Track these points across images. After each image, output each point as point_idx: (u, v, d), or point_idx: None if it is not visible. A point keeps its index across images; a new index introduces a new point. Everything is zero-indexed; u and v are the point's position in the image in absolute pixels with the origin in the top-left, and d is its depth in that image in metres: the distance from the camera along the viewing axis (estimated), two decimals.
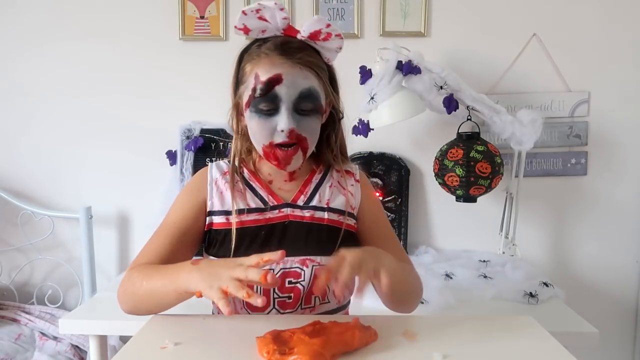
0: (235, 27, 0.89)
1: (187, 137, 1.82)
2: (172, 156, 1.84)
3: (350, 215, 0.95)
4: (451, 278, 1.54)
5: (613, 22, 1.82)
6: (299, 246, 0.89)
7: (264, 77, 0.85)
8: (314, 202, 0.93)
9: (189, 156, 1.82)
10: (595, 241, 1.89)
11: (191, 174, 1.82)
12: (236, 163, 0.96)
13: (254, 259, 0.72)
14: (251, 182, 0.95)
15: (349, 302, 0.99)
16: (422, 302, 1.34)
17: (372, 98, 1.59)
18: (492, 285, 1.49)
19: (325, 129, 0.96)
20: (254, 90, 0.86)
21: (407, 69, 1.58)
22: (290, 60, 0.86)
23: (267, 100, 0.86)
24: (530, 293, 1.42)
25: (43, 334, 1.70)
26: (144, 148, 1.88)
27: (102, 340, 1.40)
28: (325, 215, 0.93)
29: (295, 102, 0.86)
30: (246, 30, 0.89)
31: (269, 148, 0.88)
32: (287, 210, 0.92)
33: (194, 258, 0.89)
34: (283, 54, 0.86)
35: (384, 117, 1.61)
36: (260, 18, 0.87)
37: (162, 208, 1.81)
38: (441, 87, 1.61)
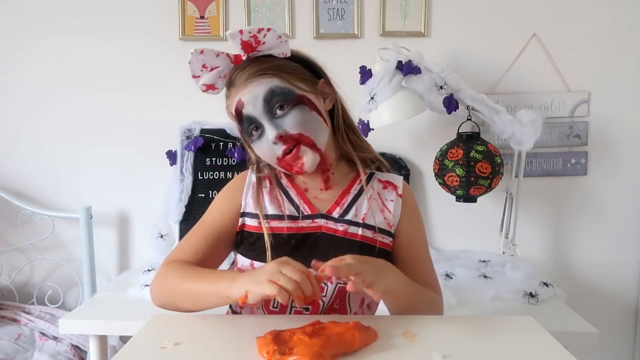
0: (202, 91, 0.92)
1: (187, 137, 1.82)
2: (172, 156, 1.84)
3: (386, 232, 0.92)
4: (451, 278, 1.54)
5: (613, 22, 1.82)
6: (329, 259, 0.86)
7: (233, 110, 0.89)
8: (349, 216, 0.91)
9: (189, 156, 1.82)
10: (595, 241, 1.89)
11: (191, 174, 1.82)
12: (264, 170, 0.97)
13: (300, 266, 0.73)
14: (287, 189, 0.95)
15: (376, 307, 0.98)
16: None
17: (372, 98, 1.59)
18: (492, 285, 1.49)
19: (334, 118, 0.95)
20: (237, 122, 0.90)
21: (407, 69, 1.58)
22: (241, 83, 0.87)
23: (247, 125, 0.88)
24: (530, 293, 1.42)
25: (43, 334, 1.70)
26: (144, 148, 1.88)
27: (102, 340, 1.40)
28: (360, 231, 0.90)
29: (266, 110, 0.86)
30: (211, 87, 0.91)
31: (281, 163, 0.89)
32: (321, 222, 0.91)
33: (238, 266, 0.92)
34: (237, 83, 0.88)
35: (384, 117, 1.61)
36: (211, 69, 0.90)
37: (162, 208, 1.84)
38: (441, 87, 1.61)
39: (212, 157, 1.84)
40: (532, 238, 1.88)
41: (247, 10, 1.83)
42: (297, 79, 0.89)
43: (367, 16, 1.84)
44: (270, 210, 0.91)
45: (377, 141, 1.75)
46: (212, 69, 0.89)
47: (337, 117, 0.95)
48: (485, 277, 1.54)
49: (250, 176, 0.97)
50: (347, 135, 0.96)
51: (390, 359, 0.68)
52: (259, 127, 0.87)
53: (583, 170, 1.87)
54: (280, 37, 0.87)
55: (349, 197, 0.93)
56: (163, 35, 1.85)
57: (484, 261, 1.69)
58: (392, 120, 1.61)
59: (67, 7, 1.86)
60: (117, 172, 1.90)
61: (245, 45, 0.87)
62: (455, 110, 1.63)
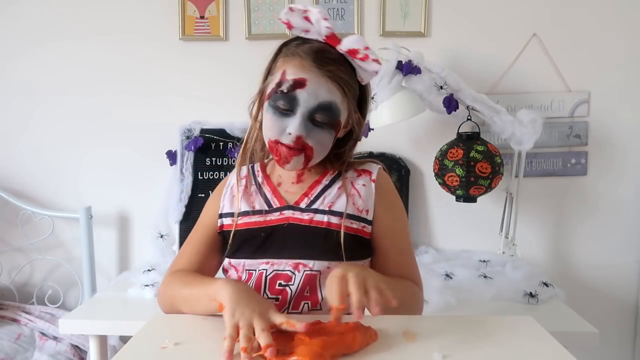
0: (279, 19, 0.90)
1: (187, 137, 1.82)
2: (172, 156, 1.84)
3: (356, 218, 0.92)
4: (451, 278, 1.54)
5: (613, 22, 1.82)
6: (295, 249, 0.89)
7: (289, 77, 0.87)
8: (316, 205, 0.92)
9: (189, 156, 1.82)
10: (595, 241, 1.89)
11: (191, 174, 1.82)
12: (243, 170, 0.98)
13: (279, 319, 0.72)
14: (263, 186, 0.97)
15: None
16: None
17: (372, 98, 1.59)
18: (492, 285, 1.49)
19: (343, 144, 0.96)
20: (278, 85, 0.88)
21: (407, 69, 1.58)
22: (320, 70, 0.86)
23: (286, 99, 0.86)
24: (530, 293, 1.42)
25: (43, 334, 1.70)
26: (144, 148, 1.88)
27: (102, 340, 1.40)
28: (325, 218, 0.90)
29: (311, 110, 0.86)
30: (289, 26, 0.90)
31: (274, 144, 0.89)
32: (288, 213, 0.92)
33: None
34: (315, 62, 0.86)
35: (384, 117, 1.61)
36: (306, 19, 0.88)
37: (162, 208, 1.84)
38: (441, 87, 1.61)
39: (212, 157, 1.84)
40: (532, 238, 1.88)
41: (247, 10, 1.83)
42: (349, 108, 0.91)
43: (367, 16, 1.84)
44: (243, 207, 0.94)
45: (377, 141, 1.77)
46: (306, 19, 0.87)
47: (348, 150, 0.97)
48: (485, 277, 1.54)
49: (230, 178, 1.00)
50: (336, 157, 0.97)
51: (390, 359, 0.68)
52: (289, 110, 0.87)
53: (583, 170, 1.87)
54: (376, 72, 0.90)
55: (319, 188, 0.94)
56: (163, 35, 1.85)
57: (484, 261, 1.69)
58: (392, 120, 1.61)
59: (67, 8, 1.86)
60: (117, 172, 1.90)
61: (353, 52, 0.88)
62: (455, 110, 1.63)
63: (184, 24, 1.85)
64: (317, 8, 0.86)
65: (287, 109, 0.87)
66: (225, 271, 0.97)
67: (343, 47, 0.88)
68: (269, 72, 0.93)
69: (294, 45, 0.90)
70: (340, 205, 0.92)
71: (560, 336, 0.75)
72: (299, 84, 0.86)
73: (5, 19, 1.87)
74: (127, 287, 1.51)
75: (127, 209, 1.93)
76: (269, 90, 0.90)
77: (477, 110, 1.63)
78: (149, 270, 1.62)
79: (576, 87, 1.84)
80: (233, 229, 0.92)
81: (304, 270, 0.88)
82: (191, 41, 1.86)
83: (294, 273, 0.88)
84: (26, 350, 1.61)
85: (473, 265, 1.66)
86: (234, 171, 1.00)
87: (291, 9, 0.87)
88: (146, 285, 1.47)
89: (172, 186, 1.83)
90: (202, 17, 1.85)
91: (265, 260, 0.90)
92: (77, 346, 1.68)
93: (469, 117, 1.64)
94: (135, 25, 1.86)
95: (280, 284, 0.88)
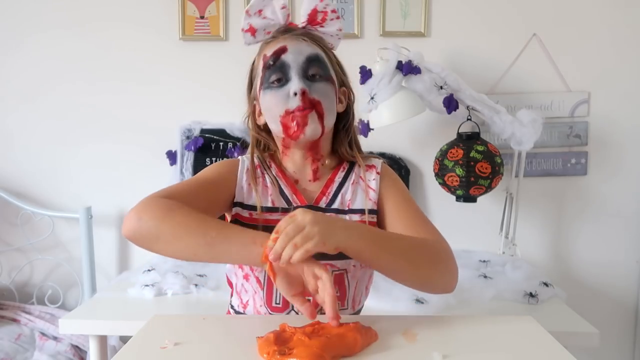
0: (242, 29, 0.91)
1: (187, 137, 1.82)
2: (172, 156, 1.84)
3: (372, 211, 0.92)
4: None
5: (613, 22, 1.82)
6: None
7: (270, 53, 0.89)
8: (336, 205, 0.92)
9: (189, 156, 1.82)
10: (595, 241, 1.89)
11: (191, 174, 1.82)
12: (255, 159, 0.96)
13: (325, 275, 0.72)
14: (278, 179, 0.94)
15: (361, 308, 0.98)
16: (422, 302, 1.34)
17: (372, 98, 1.59)
18: (492, 285, 1.49)
19: (342, 121, 0.96)
20: (264, 67, 0.89)
21: (407, 69, 1.58)
22: (294, 35, 0.89)
23: (276, 70, 0.87)
24: (530, 293, 1.42)
25: (43, 334, 1.70)
26: (144, 148, 1.88)
27: (102, 340, 1.40)
28: (347, 217, 0.91)
29: (303, 66, 0.87)
30: (252, 31, 0.91)
31: (285, 117, 0.88)
32: None
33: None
34: (287, 33, 0.90)
35: (384, 117, 1.61)
36: (263, 17, 0.90)
37: None
38: (441, 87, 1.61)
39: (212, 157, 1.84)
40: (532, 238, 1.88)
41: None
42: (335, 69, 0.93)
43: (367, 16, 1.84)
44: (263, 202, 0.91)
45: (377, 141, 1.77)
46: (264, 18, 0.90)
47: (348, 123, 0.97)
48: (485, 277, 1.54)
49: (244, 163, 0.95)
50: (344, 141, 0.97)
51: (390, 359, 0.68)
52: (283, 79, 0.88)
53: (583, 170, 1.87)
54: (340, 30, 0.92)
55: (334, 186, 0.94)
56: (163, 35, 1.85)
57: (484, 261, 1.69)
58: (392, 120, 1.61)
59: (68, 7, 1.86)
60: (117, 172, 1.90)
61: (313, 16, 0.90)
62: (455, 110, 1.63)
63: (184, 24, 1.85)
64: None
65: (281, 79, 0.88)
66: (240, 267, 0.92)
67: (303, 17, 0.91)
68: (251, 79, 0.96)
69: (263, 43, 0.93)
70: (358, 203, 0.93)
71: (560, 336, 0.75)
72: (281, 51, 0.88)
73: (5, 17, 1.87)
74: (127, 287, 1.51)
75: (127, 209, 1.90)
76: (259, 82, 0.91)
77: (477, 110, 1.63)
78: (149, 270, 1.62)
79: (576, 87, 1.84)
80: (260, 225, 0.87)
81: (332, 271, 0.88)
82: (191, 41, 1.86)
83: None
84: (26, 350, 1.61)
85: (473, 265, 1.66)
86: (244, 158, 0.96)
87: (247, 12, 0.89)
88: (146, 285, 1.47)
89: None
90: (202, 17, 1.85)
91: None
92: (77, 346, 1.68)
93: (469, 117, 1.64)
94: (136, 25, 1.86)
95: None
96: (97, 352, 1.39)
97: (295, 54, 0.87)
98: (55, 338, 1.69)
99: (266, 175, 0.94)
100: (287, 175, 0.95)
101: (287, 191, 0.93)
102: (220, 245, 0.75)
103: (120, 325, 1.33)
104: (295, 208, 0.90)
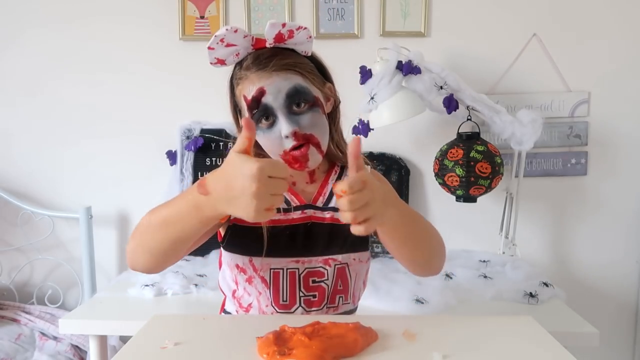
0: (211, 63, 0.90)
1: (187, 137, 1.82)
2: (172, 156, 1.84)
3: None
4: (451, 278, 1.54)
5: (613, 22, 1.82)
6: (322, 246, 0.92)
7: (249, 97, 0.88)
8: (332, 203, 0.94)
9: (189, 156, 1.82)
10: (596, 241, 1.89)
11: (191, 174, 1.82)
12: None
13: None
14: None
15: (356, 308, 1.00)
16: (422, 302, 1.34)
17: (372, 98, 1.59)
18: (492, 285, 1.49)
19: (332, 122, 0.96)
20: (248, 108, 0.88)
21: (407, 69, 1.58)
22: (266, 71, 0.87)
23: (261, 114, 0.87)
24: (530, 293, 1.42)
25: (43, 334, 1.70)
26: (144, 148, 1.88)
27: (102, 340, 1.40)
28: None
29: (285, 104, 0.87)
30: (221, 62, 0.91)
31: (285, 156, 0.89)
32: (310, 212, 0.93)
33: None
34: (259, 69, 0.88)
35: (384, 117, 1.61)
36: (227, 45, 0.88)
37: None
38: (441, 87, 1.61)
39: (212, 157, 1.84)
40: (532, 238, 1.88)
41: (247, 10, 1.83)
42: (315, 80, 0.91)
43: (367, 16, 1.84)
44: None
45: (377, 141, 1.77)
46: (228, 45, 0.88)
47: (337, 121, 0.98)
48: (485, 277, 1.54)
49: None
50: (334, 137, 0.98)
51: (390, 359, 0.68)
52: (271, 117, 0.88)
53: (583, 170, 1.87)
54: (310, 37, 0.90)
55: (328, 187, 0.96)
56: (163, 35, 1.85)
57: (484, 261, 1.69)
58: (392, 120, 1.61)
59: (67, 8, 1.86)
60: (117, 172, 1.90)
61: (279, 37, 0.88)
62: (455, 110, 1.63)
63: (184, 24, 1.85)
64: (223, 27, 0.86)
65: (269, 120, 0.87)
66: (242, 271, 0.92)
67: (268, 41, 0.89)
68: (235, 109, 0.94)
69: (237, 71, 0.92)
70: None
71: (560, 336, 0.75)
72: (260, 94, 0.87)
73: (6, 16, 1.87)
74: (127, 287, 1.51)
75: (127, 209, 1.93)
76: (245, 117, 0.91)
77: (477, 110, 1.63)
78: None
79: (576, 87, 1.84)
80: (265, 226, 0.88)
81: (335, 265, 0.92)
82: (191, 41, 1.86)
83: (325, 269, 0.92)
84: (26, 350, 1.61)
85: (473, 265, 1.66)
86: None
87: (210, 48, 0.87)
88: (146, 285, 1.47)
89: (172, 186, 1.83)
90: (202, 17, 1.85)
91: (294, 259, 0.91)
92: (77, 346, 1.68)
93: (469, 117, 1.64)
94: (136, 25, 1.86)
95: (314, 281, 0.91)
96: (97, 352, 1.39)
97: (275, 94, 0.86)
98: (55, 338, 1.69)
99: None
100: None
101: (285, 193, 0.93)
102: (176, 224, 0.77)
103: (120, 325, 1.33)
104: (295, 208, 0.92)
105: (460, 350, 0.69)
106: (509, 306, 1.40)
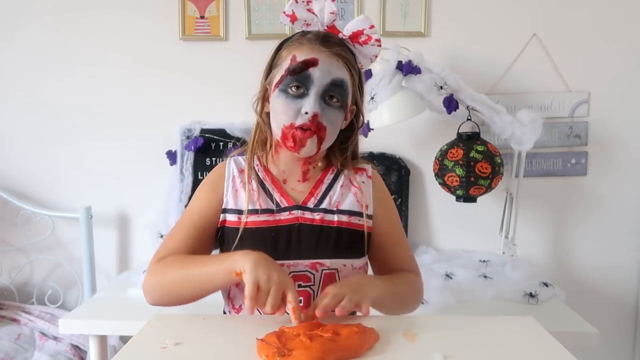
0: (284, 12, 0.91)
1: (187, 137, 1.82)
2: (172, 156, 1.84)
3: (360, 214, 0.94)
4: (451, 278, 1.54)
5: (613, 22, 1.82)
6: (309, 249, 0.89)
7: (301, 58, 0.87)
8: (324, 205, 0.93)
9: (189, 156, 1.82)
10: (596, 241, 1.89)
11: (191, 174, 1.82)
12: (242, 161, 0.97)
13: (293, 297, 0.78)
14: (264, 182, 0.94)
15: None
16: (422, 302, 1.34)
17: (372, 98, 1.59)
18: (492, 285, 1.49)
19: (344, 134, 0.96)
20: (288, 69, 0.88)
21: (407, 69, 1.58)
22: (330, 51, 0.88)
23: (298, 80, 0.87)
24: (530, 293, 1.42)
25: (43, 334, 1.70)
26: (144, 148, 1.88)
27: (102, 340, 1.40)
28: (335, 218, 0.92)
29: (325, 87, 0.87)
30: (293, 18, 0.91)
31: (288, 129, 0.88)
32: (298, 213, 0.91)
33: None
34: (324, 44, 0.89)
35: (384, 117, 1.61)
36: (309, 10, 0.90)
37: (162, 208, 1.84)
38: (441, 87, 1.61)
39: (212, 157, 1.84)
40: (532, 238, 1.88)
41: (247, 10, 1.83)
42: (354, 91, 0.93)
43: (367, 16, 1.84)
44: (250, 204, 0.92)
45: (377, 141, 1.77)
46: (309, 10, 0.91)
47: (349, 141, 0.97)
48: (485, 277, 1.54)
49: (231, 168, 0.96)
50: (337, 153, 0.98)
51: (391, 359, 0.68)
52: (302, 88, 0.87)
53: (583, 170, 1.87)
54: (375, 56, 0.95)
55: (323, 187, 0.95)
56: (163, 35, 1.85)
57: (484, 261, 1.69)
58: (392, 120, 1.61)
59: (68, 8, 1.86)
60: (117, 172, 1.90)
61: (355, 35, 0.92)
62: (455, 110, 1.63)
63: (184, 24, 1.85)
64: None
65: (299, 91, 0.87)
66: None
67: (347, 30, 0.92)
68: (271, 66, 0.93)
69: (297, 37, 0.92)
70: (347, 204, 0.94)
71: (560, 336, 0.75)
72: (310, 63, 0.87)
73: (9, 16, 1.87)
74: (127, 287, 1.51)
75: (127, 209, 1.93)
76: (277, 79, 0.90)
77: (477, 110, 1.63)
78: None
79: (576, 87, 1.84)
80: (241, 227, 0.89)
81: (322, 270, 0.90)
82: (191, 41, 1.86)
83: (312, 273, 0.89)
84: (26, 350, 1.61)
85: (473, 266, 1.66)
86: (230, 161, 0.97)
87: (296, 1, 0.89)
88: None
89: (172, 186, 1.83)
90: (202, 17, 1.85)
91: (280, 262, 0.87)
92: (77, 346, 1.68)
93: (469, 117, 1.64)
94: (136, 25, 1.86)
95: (300, 285, 0.88)
96: (97, 352, 1.39)
97: (323, 72, 0.87)
98: (55, 338, 1.69)
99: (252, 179, 0.94)
100: (274, 176, 0.96)
101: (273, 192, 0.93)
102: (214, 282, 0.85)
103: (120, 325, 1.33)
104: (282, 209, 0.92)
105: (460, 350, 0.69)
106: (509, 306, 1.40)
